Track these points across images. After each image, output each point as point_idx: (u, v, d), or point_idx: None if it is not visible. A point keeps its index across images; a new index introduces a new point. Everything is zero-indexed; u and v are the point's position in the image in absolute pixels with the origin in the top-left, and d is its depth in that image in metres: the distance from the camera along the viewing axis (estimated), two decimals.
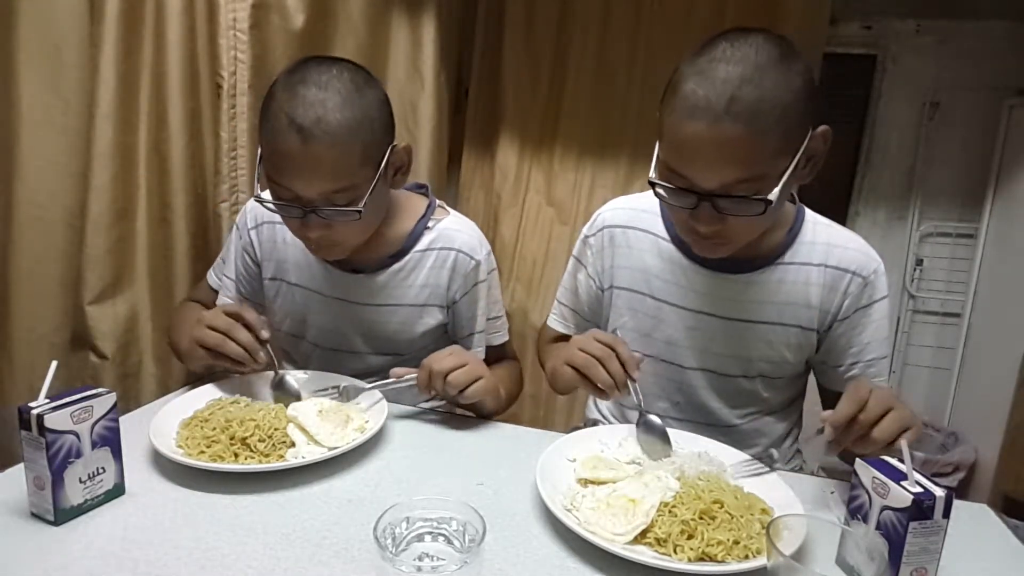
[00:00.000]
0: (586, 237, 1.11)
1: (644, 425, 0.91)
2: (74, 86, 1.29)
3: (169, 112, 1.45)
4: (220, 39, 1.53)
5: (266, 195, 0.97)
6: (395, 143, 0.99)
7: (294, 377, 1.00)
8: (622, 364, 0.87)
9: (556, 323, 1.17)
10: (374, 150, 0.94)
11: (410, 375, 0.97)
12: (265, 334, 0.94)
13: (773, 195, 0.79)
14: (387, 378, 0.99)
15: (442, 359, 0.95)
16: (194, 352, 0.95)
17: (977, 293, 2.24)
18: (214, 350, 0.93)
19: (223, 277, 1.18)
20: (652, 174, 0.86)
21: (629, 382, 0.88)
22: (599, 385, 0.87)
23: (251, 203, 1.16)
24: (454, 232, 1.11)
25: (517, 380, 1.19)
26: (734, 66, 0.77)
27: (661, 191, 0.86)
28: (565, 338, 1.16)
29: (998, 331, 2.09)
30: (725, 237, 0.87)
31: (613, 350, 0.88)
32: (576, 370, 0.89)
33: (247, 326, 0.94)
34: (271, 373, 0.99)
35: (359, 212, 0.92)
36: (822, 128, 0.84)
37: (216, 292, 1.19)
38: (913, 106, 2.24)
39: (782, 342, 0.99)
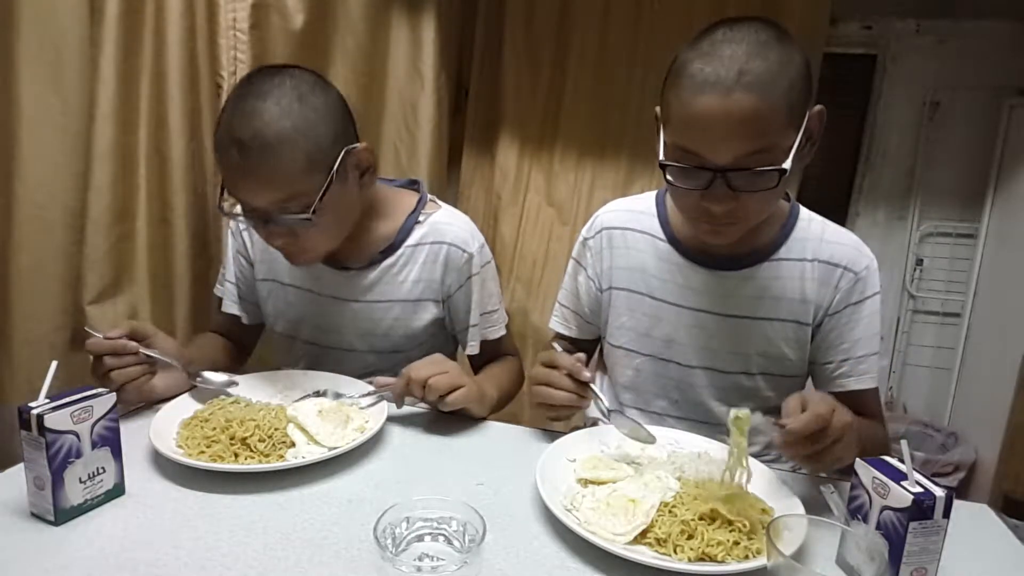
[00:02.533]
0: (585, 239, 1.12)
1: (617, 419, 0.90)
2: (74, 86, 1.29)
3: (169, 112, 1.45)
4: (220, 39, 1.53)
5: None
6: (353, 145, 0.98)
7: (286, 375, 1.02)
8: (571, 376, 0.88)
9: (558, 325, 1.17)
10: (320, 157, 0.93)
11: (392, 386, 0.97)
12: (133, 345, 0.89)
13: (787, 165, 0.81)
14: (375, 385, 0.99)
15: (420, 367, 0.94)
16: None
17: (977, 293, 2.24)
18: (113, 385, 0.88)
19: (225, 283, 1.19)
20: (661, 157, 0.87)
21: (589, 386, 0.89)
22: (562, 404, 0.89)
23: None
24: (445, 226, 1.11)
25: (515, 376, 1.18)
26: (738, 44, 0.80)
27: (672, 175, 0.87)
28: (568, 340, 1.17)
29: (998, 331, 2.09)
30: (737, 217, 0.87)
31: (555, 367, 0.89)
32: (540, 404, 0.91)
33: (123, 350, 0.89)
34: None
35: (310, 219, 0.92)
36: (818, 108, 0.87)
37: (225, 315, 1.19)
38: (913, 106, 2.24)
39: (780, 337, 1.00)
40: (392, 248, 1.09)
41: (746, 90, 0.78)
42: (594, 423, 1.16)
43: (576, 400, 0.89)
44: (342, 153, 0.95)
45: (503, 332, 1.19)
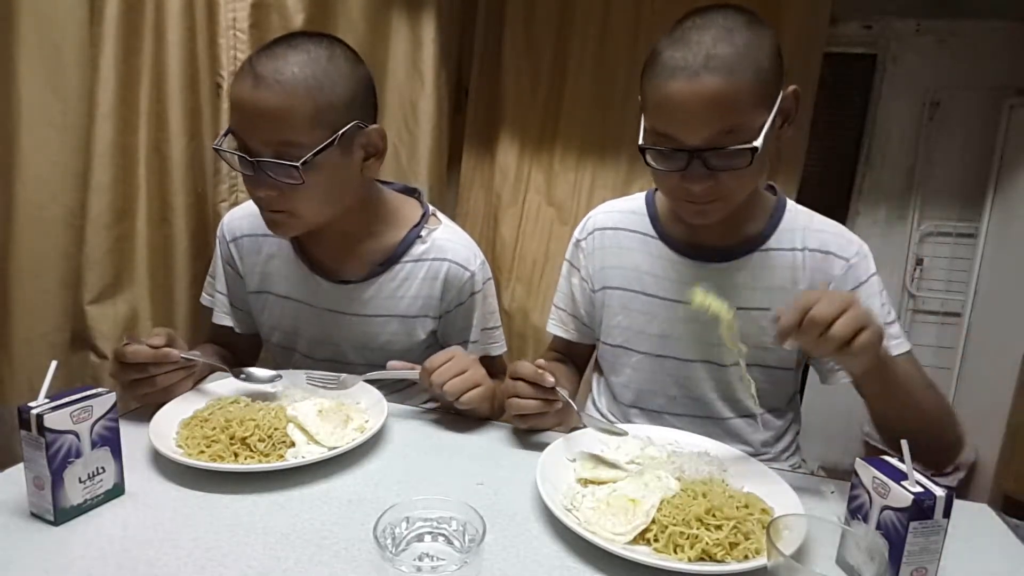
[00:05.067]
0: (578, 241, 1.13)
1: (588, 418, 0.91)
2: (74, 86, 1.29)
3: (169, 112, 1.45)
4: (220, 39, 1.53)
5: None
6: (367, 125, 0.97)
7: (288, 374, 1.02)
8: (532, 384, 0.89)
9: (555, 328, 1.17)
10: (329, 114, 0.91)
11: (405, 371, 0.98)
12: (175, 353, 0.91)
13: (758, 143, 0.83)
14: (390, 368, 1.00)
15: (441, 368, 0.94)
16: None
17: (977, 293, 2.24)
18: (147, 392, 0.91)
19: (216, 294, 1.18)
20: (640, 141, 0.90)
21: (556, 389, 0.89)
22: (532, 413, 0.90)
23: (227, 217, 1.16)
24: (446, 243, 1.10)
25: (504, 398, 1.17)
26: (706, 31, 0.84)
27: (652, 158, 0.90)
28: (565, 343, 1.17)
29: (998, 331, 2.09)
30: (717, 195, 0.89)
31: (518, 378, 0.90)
32: (522, 418, 0.92)
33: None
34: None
35: (297, 168, 0.89)
36: (792, 87, 0.90)
37: (220, 326, 1.18)
38: (913, 106, 2.24)
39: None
40: (391, 261, 1.08)
41: (713, 73, 0.81)
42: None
43: (544, 406, 0.89)
44: (353, 123, 0.94)
45: (504, 349, 1.19)
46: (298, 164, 0.89)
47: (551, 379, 0.89)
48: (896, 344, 0.98)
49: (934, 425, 0.89)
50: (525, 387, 0.89)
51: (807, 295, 0.74)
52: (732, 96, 0.82)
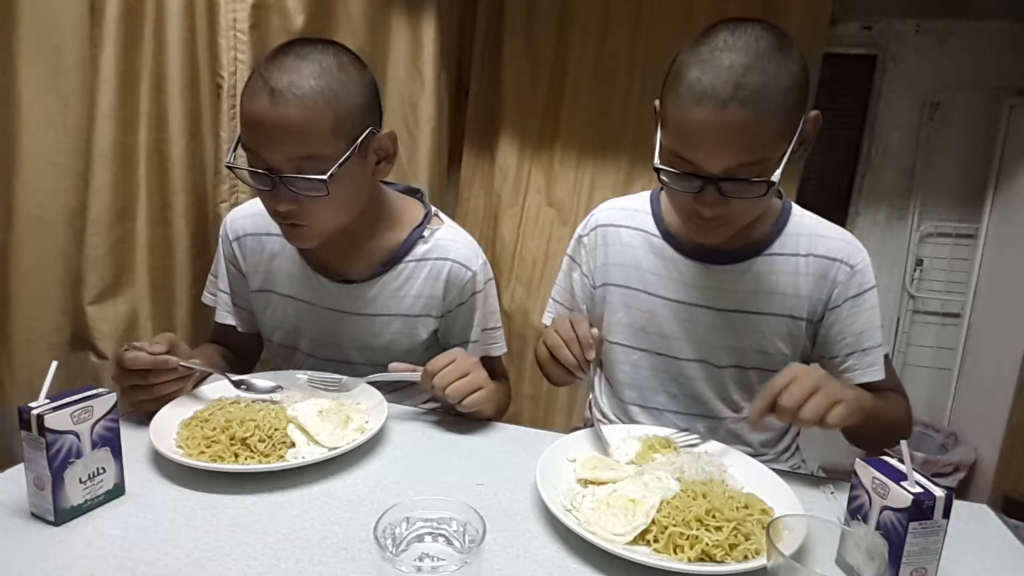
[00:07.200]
0: (580, 236, 1.13)
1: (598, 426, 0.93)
2: (74, 86, 1.29)
3: (169, 112, 1.45)
4: (220, 39, 1.53)
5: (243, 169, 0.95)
6: (379, 130, 0.97)
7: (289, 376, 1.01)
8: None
9: (550, 320, 1.17)
10: (348, 124, 0.91)
11: (407, 373, 0.98)
12: (174, 360, 0.90)
13: (775, 177, 0.83)
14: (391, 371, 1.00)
15: (443, 371, 0.94)
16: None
17: (977, 293, 2.24)
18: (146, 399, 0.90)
19: (218, 293, 1.17)
20: (656, 161, 0.89)
21: (590, 363, 0.90)
22: (564, 366, 0.90)
23: (229, 216, 1.15)
24: (449, 242, 1.10)
25: (506, 398, 1.16)
26: (737, 54, 0.80)
27: (666, 177, 0.88)
28: None
29: (998, 331, 2.09)
30: (726, 219, 0.89)
31: (575, 331, 0.90)
32: (548, 351, 0.93)
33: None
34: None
35: (324, 182, 0.89)
36: (813, 113, 0.88)
37: (222, 325, 1.18)
38: (913, 106, 2.24)
39: (774, 332, 1.01)
40: (394, 261, 1.08)
41: (741, 105, 0.79)
42: (592, 423, 1.16)
43: (577, 369, 0.89)
44: (368, 131, 0.94)
45: (504, 350, 1.19)
46: (325, 178, 0.89)
47: (592, 355, 0.89)
48: (874, 371, 1.00)
49: (893, 433, 0.96)
50: (576, 347, 0.89)
51: (777, 381, 0.81)
52: (758, 130, 0.80)
